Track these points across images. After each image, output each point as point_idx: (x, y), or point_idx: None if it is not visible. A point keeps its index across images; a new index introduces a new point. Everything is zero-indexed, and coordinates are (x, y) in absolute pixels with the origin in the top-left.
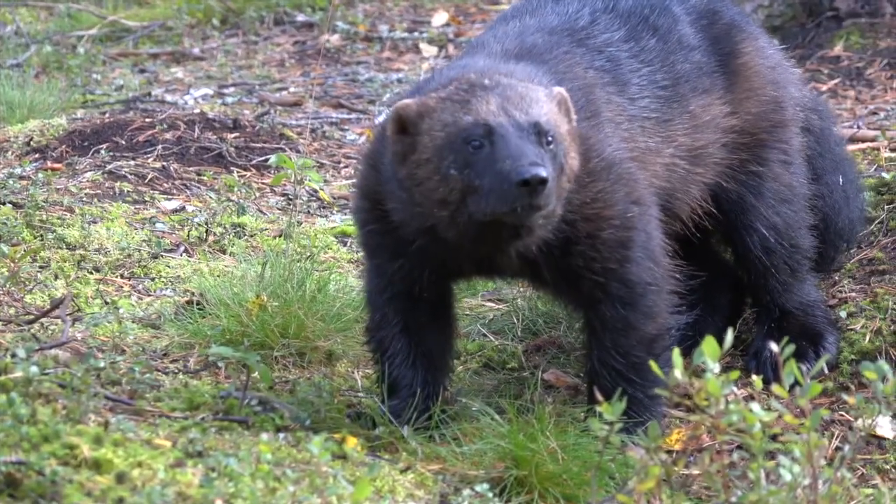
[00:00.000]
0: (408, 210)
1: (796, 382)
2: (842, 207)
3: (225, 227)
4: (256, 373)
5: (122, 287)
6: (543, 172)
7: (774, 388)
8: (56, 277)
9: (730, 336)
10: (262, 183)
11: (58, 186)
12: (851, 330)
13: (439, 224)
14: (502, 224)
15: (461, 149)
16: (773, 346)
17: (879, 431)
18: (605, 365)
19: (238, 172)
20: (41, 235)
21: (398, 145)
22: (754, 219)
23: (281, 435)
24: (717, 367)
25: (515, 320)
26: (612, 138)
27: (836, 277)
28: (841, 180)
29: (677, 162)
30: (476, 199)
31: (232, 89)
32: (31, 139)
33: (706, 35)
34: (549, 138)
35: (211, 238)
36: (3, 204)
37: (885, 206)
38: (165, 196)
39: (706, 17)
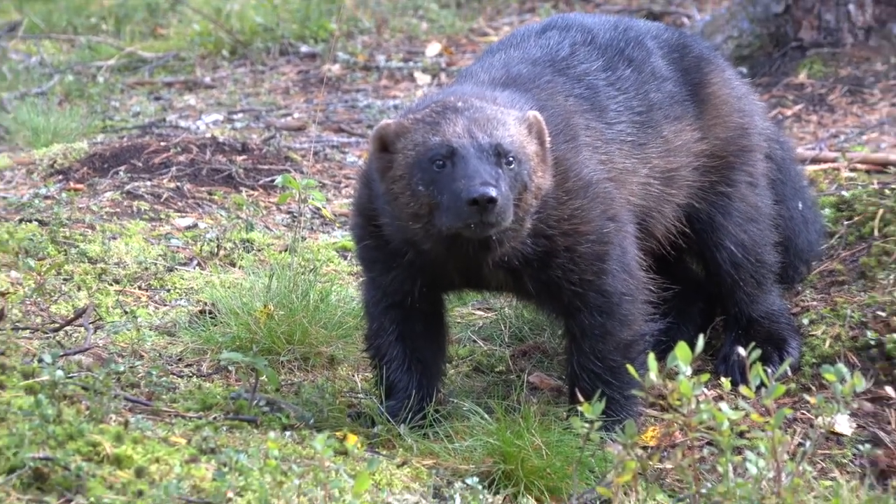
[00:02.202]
0: (393, 224)
1: (762, 384)
2: (801, 230)
3: (234, 243)
4: (264, 376)
5: (139, 298)
6: (492, 192)
7: (742, 389)
8: (79, 289)
9: (700, 342)
10: (269, 202)
11: (80, 205)
12: (813, 336)
13: (415, 236)
14: (467, 237)
15: (428, 167)
16: (741, 351)
17: (838, 428)
18: (584, 368)
19: (246, 192)
20: (65, 250)
21: (379, 162)
22: (724, 236)
23: (287, 433)
24: (688, 370)
25: (503, 327)
26: (590, 160)
27: (800, 288)
28: (800, 205)
29: (652, 182)
30: (439, 215)
31: (240, 115)
32: (55, 162)
33: (677, 67)
34: (510, 159)
35: (222, 252)
36: (30, 221)
37: (845, 222)
38: (179, 214)
39: (677, 51)
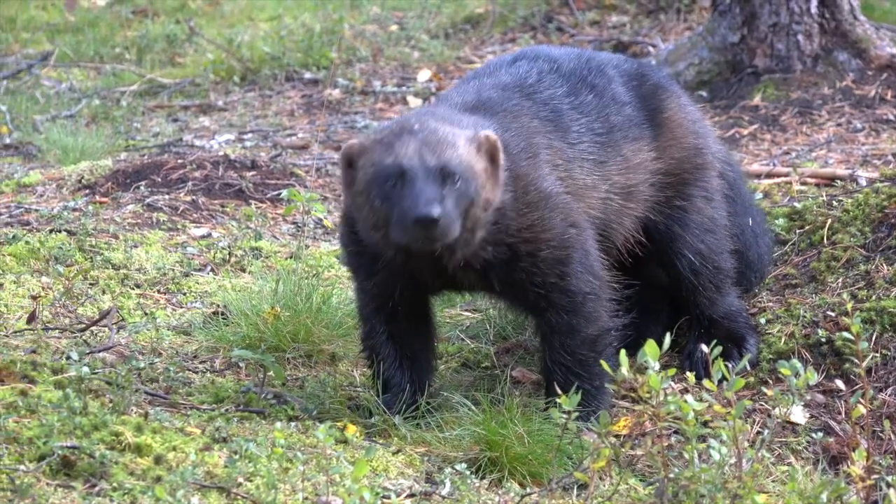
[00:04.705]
0: (363, 233)
1: (723, 378)
2: (752, 244)
3: (245, 250)
4: (272, 372)
5: (158, 300)
6: (434, 213)
7: (705, 382)
8: (103, 293)
9: (667, 340)
10: (276, 213)
11: (104, 217)
12: (769, 334)
13: (378, 245)
14: (416, 250)
15: (382, 184)
16: (704, 348)
17: (793, 418)
18: (555, 363)
19: (255, 204)
20: (91, 258)
21: (345, 177)
22: (682, 246)
23: (292, 423)
24: (657, 366)
25: (488, 327)
26: (550, 176)
27: (757, 290)
28: (750, 221)
29: (612, 197)
30: (392, 229)
31: (250, 135)
32: (83, 178)
33: (636, 94)
34: (456, 178)
35: (233, 259)
36: (59, 232)
37: (797, 231)
38: (195, 224)
39: (636, 79)
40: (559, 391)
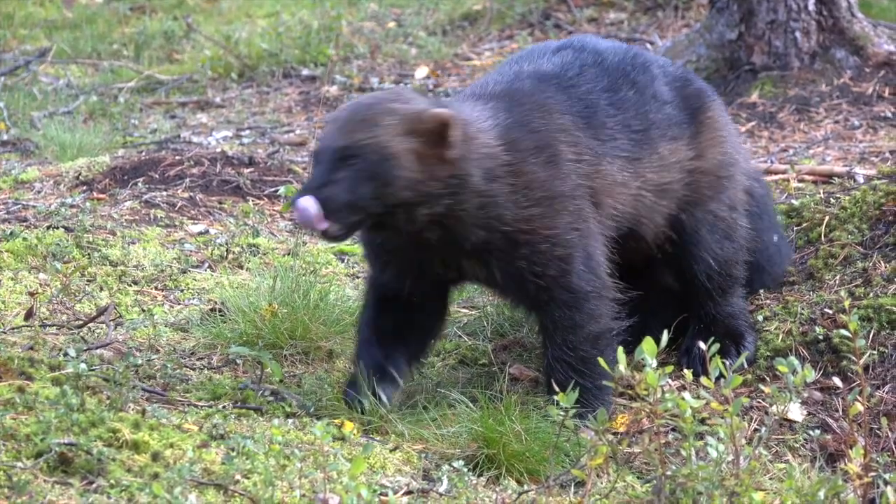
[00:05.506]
0: None
1: (721, 375)
2: (775, 260)
3: (242, 247)
4: (269, 369)
5: (156, 297)
6: (303, 200)
7: (703, 379)
8: (101, 289)
9: (665, 337)
10: (273, 210)
11: (102, 213)
12: (767, 331)
13: None
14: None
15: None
16: (702, 345)
17: (790, 416)
18: (557, 360)
19: (253, 201)
20: (88, 254)
21: None
22: (703, 249)
23: (290, 420)
24: (654, 363)
25: (486, 324)
26: (569, 178)
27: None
28: (775, 238)
29: (644, 194)
30: None
31: (248, 132)
32: (80, 174)
33: (678, 94)
34: (356, 160)
35: (230, 256)
36: (57, 228)
37: (794, 228)
38: (192, 221)
39: (679, 81)
40: (558, 389)
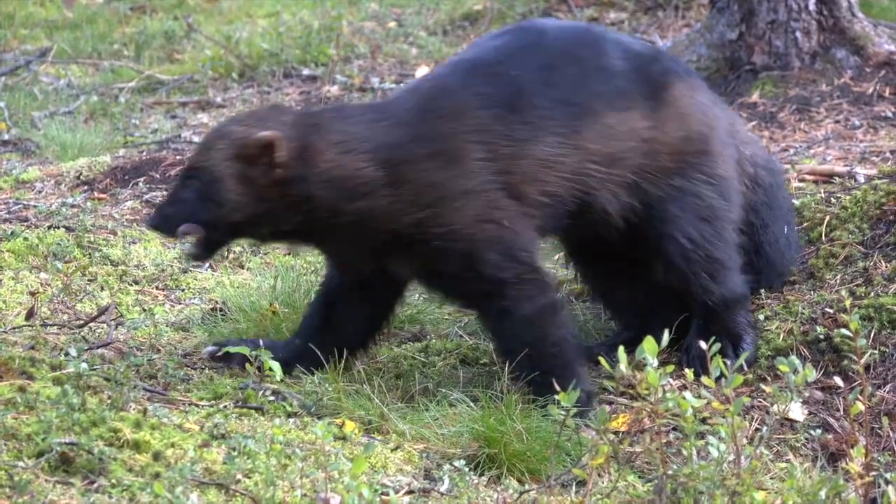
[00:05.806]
0: None
1: (722, 374)
2: (784, 252)
3: (243, 247)
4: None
5: (157, 297)
6: (150, 222)
7: (703, 379)
8: (102, 289)
9: (665, 337)
10: None
11: (103, 213)
12: (768, 330)
13: None
14: None
15: None
16: (702, 344)
17: (791, 415)
18: (500, 352)
19: None
20: (89, 254)
21: None
22: (674, 228)
23: (291, 420)
24: (655, 362)
25: None
26: (476, 174)
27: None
28: (786, 229)
29: (589, 166)
30: None
31: None
32: (81, 174)
33: (636, 68)
34: (195, 182)
35: (231, 255)
36: (58, 228)
37: (795, 228)
38: None
39: (642, 59)
40: (517, 375)
